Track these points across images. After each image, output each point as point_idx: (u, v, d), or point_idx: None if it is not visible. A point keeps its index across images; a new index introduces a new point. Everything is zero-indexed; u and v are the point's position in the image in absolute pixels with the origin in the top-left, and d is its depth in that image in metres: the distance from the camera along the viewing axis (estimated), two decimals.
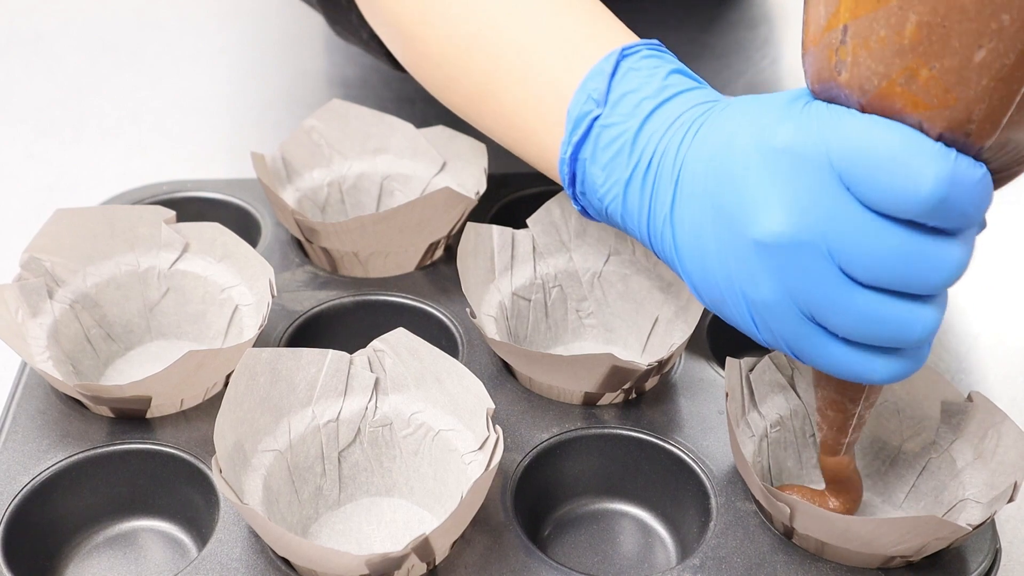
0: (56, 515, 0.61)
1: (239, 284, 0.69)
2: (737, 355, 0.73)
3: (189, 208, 0.80)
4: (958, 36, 0.42)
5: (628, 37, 0.59)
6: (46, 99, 1.03)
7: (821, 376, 0.55)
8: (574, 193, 0.59)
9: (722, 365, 0.65)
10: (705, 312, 0.69)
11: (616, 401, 0.66)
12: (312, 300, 0.73)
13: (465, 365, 0.68)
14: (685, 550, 0.62)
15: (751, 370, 0.63)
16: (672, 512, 0.64)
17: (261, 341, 0.68)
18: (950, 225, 0.44)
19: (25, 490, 0.60)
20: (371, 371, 0.62)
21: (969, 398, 0.61)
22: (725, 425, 0.64)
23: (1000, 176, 0.46)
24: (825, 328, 0.48)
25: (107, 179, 0.91)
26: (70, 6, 1.16)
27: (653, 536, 0.63)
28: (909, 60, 0.43)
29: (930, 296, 0.46)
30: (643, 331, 0.71)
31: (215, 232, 0.70)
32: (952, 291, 0.86)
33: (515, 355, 0.65)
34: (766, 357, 0.63)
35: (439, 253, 0.77)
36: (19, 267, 0.67)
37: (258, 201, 0.81)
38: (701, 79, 0.57)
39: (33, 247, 0.67)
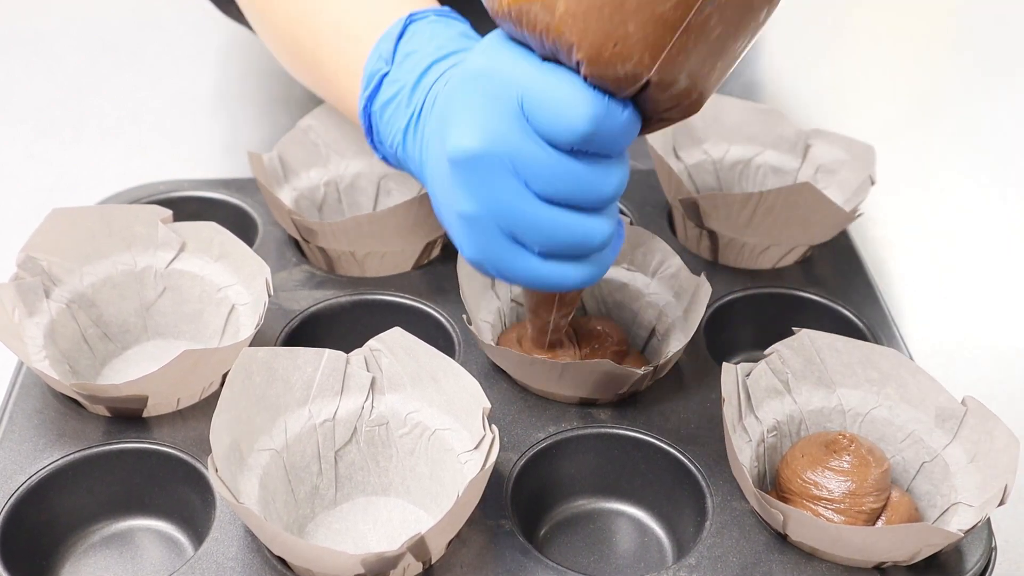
0: (52, 514, 0.61)
1: (236, 283, 0.69)
2: (734, 356, 0.73)
3: (186, 207, 0.81)
4: None
5: (429, 5, 0.66)
6: (46, 99, 1.03)
7: (525, 290, 0.62)
8: (373, 143, 0.66)
9: (719, 364, 0.65)
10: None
11: (612, 401, 0.66)
12: (309, 299, 0.73)
13: (462, 364, 0.68)
14: (681, 549, 0.62)
15: (747, 375, 0.63)
16: (668, 511, 0.64)
17: (258, 340, 0.68)
18: (604, 152, 0.52)
19: (21, 489, 0.60)
20: (367, 370, 0.62)
21: (963, 403, 0.61)
22: (721, 424, 0.64)
23: (662, 118, 0.53)
24: (524, 246, 0.55)
25: (107, 179, 0.91)
26: (70, 6, 1.17)
27: (649, 535, 0.63)
28: None
29: (601, 209, 0.54)
30: (640, 339, 0.71)
31: (212, 231, 0.70)
32: (949, 292, 0.86)
33: (511, 361, 0.65)
34: (762, 362, 0.63)
35: (436, 252, 0.77)
36: (15, 266, 0.67)
37: (255, 201, 0.81)
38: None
39: (29, 246, 0.67)
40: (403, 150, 0.63)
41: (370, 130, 0.65)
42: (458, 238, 0.57)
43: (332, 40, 0.68)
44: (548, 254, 0.54)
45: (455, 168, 0.54)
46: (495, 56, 0.53)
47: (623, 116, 0.51)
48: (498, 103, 0.52)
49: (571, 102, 0.50)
